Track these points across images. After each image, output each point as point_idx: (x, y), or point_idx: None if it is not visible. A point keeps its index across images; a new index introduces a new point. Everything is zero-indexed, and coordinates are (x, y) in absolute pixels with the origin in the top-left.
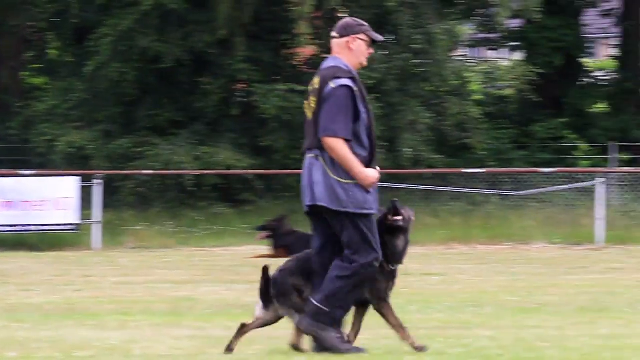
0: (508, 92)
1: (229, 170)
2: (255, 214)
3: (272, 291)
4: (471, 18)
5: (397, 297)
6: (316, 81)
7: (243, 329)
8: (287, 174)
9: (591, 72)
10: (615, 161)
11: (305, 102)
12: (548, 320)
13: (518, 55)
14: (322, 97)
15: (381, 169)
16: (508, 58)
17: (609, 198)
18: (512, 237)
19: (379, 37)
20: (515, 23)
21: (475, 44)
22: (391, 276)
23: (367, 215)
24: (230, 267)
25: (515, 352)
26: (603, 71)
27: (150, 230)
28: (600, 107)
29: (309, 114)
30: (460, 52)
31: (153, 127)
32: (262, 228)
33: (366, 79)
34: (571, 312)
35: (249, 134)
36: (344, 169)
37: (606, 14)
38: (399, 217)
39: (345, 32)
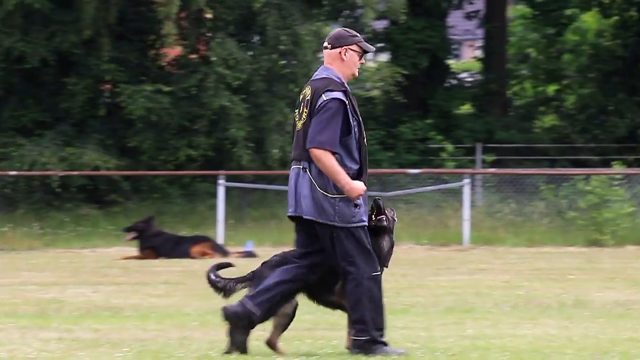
0: (374, 93)
1: (96, 171)
2: (123, 215)
3: (251, 281)
4: (337, 19)
5: None
6: (307, 92)
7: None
8: (154, 175)
9: (457, 73)
10: (480, 162)
11: (296, 111)
12: (416, 321)
13: (384, 57)
14: (313, 109)
15: (249, 169)
16: (374, 59)
17: (475, 199)
18: None
19: (371, 48)
20: (381, 24)
21: None
22: None
23: (355, 229)
24: (97, 269)
25: None
26: (468, 73)
27: (16, 232)
28: (466, 108)
29: (299, 125)
30: None
31: (18, 128)
32: (130, 229)
33: (233, 80)
34: (438, 312)
35: (115, 134)
36: (331, 182)
37: (470, 16)
38: (383, 217)
39: (337, 43)
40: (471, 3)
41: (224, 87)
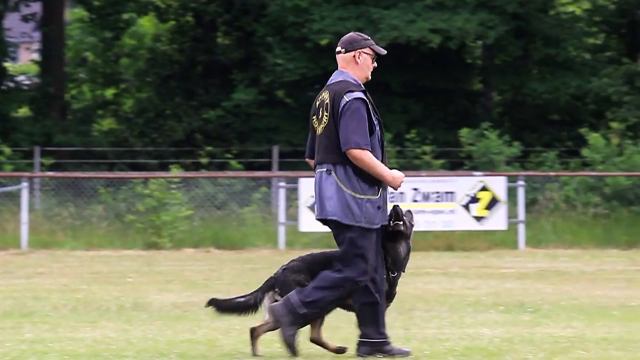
0: None
1: None
2: None
3: (275, 289)
4: None
5: None
6: (325, 96)
7: (254, 333)
8: None
9: (14, 76)
10: (39, 166)
11: (313, 117)
12: None
13: None
14: (336, 112)
15: None
16: None
17: (34, 202)
18: None
19: (383, 51)
20: None
21: None
22: (391, 284)
23: (372, 231)
24: None
25: None
26: (25, 76)
27: None
28: (23, 111)
29: (320, 129)
30: None
31: None
32: None
33: None
34: None
35: None
36: (359, 184)
37: (27, 19)
38: (400, 222)
39: (351, 47)
40: (28, 5)
41: None
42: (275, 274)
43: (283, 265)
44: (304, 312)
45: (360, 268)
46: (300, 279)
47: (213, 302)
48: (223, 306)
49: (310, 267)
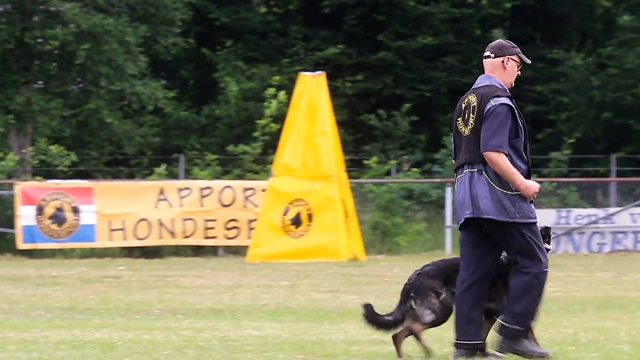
0: None
1: None
2: None
3: (411, 294)
4: None
5: None
6: (472, 99)
7: (397, 339)
8: None
9: None
10: None
11: (459, 118)
12: None
13: None
14: (481, 114)
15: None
16: None
17: None
18: None
19: (528, 60)
20: None
21: None
22: None
23: (533, 224)
24: None
25: None
26: None
27: None
28: None
29: (466, 131)
30: None
31: None
32: None
33: None
34: None
35: None
36: (508, 181)
37: None
38: (549, 246)
39: (500, 53)
40: None
41: None
42: (409, 280)
43: (417, 270)
44: (524, 327)
45: (541, 258)
46: (434, 284)
47: (368, 315)
48: (375, 321)
49: (444, 272)
